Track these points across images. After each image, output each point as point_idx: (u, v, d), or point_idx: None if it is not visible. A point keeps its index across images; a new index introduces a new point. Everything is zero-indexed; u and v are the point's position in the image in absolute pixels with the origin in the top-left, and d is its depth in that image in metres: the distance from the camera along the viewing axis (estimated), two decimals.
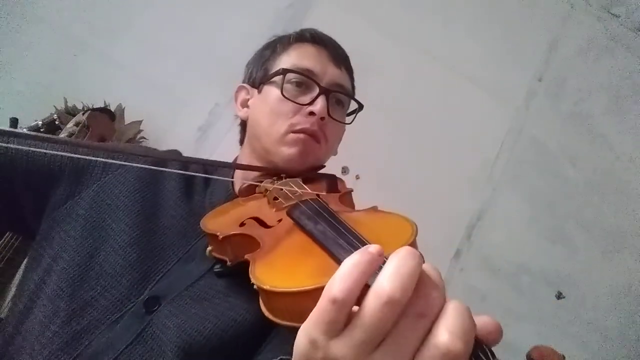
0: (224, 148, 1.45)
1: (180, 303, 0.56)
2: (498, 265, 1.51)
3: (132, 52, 1.49)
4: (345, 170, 1.45)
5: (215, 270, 0.58)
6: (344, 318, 0.29)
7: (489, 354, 0.27)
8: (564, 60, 1.71)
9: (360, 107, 0.82)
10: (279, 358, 0.39)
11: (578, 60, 1.72)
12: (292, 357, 0.32)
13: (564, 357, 0.28)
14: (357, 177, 1.46)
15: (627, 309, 1.51)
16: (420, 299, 0.28)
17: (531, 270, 1.52)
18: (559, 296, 1.50)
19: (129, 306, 0.56)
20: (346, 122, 0.80)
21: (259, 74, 0.78)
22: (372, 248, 0.30)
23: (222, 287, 0.58)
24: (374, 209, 0.56)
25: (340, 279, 0.29)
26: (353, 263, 0.29)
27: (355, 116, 0.83)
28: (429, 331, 0.28)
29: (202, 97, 1.49)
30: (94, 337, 0.54)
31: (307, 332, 0.30)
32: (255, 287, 0.42)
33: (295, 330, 0.32)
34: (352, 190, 0.68)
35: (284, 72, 0.71)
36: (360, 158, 1.41)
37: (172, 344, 0.52)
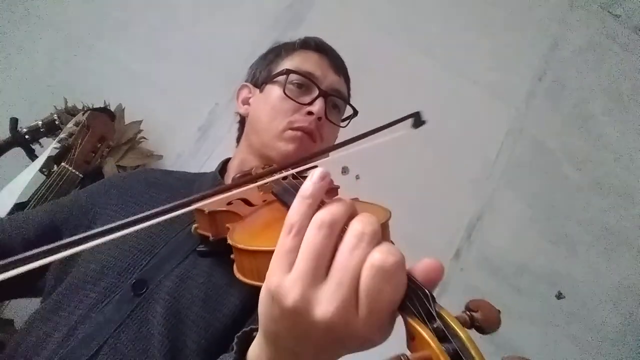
0: (223, 148, 1.45)
1: (167, 284, 0.58)
2: (498, 265, 1.51)
3: (132, 52, 1.49)
4: (345, 170, 1.45)
5: (198, 249, 0.61)
6: (297, 245, 0.31)
7: (429, 296, 0.29)
8: (564, 60, 1.71)
9: (355, 112, 0.86)
10: (249, 327, 0.40)
11: (578, 60, 1.72)
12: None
13: (499, 312, 0.29)
14: (357, 177, 1.46)
15: (627, 309, 1.51)
16: (355, 228, 0.30)
17: (531, 270, 1.51)
18: (559, 296, 1.50)
19: (117, 291, 0.58)
20: (341, 125, 0.84)
21: (262, 75, 0.83)
22: (316, 174, 0.33)
23: (205, 267, 0.61)
24: (356, 199, 0.58)
25: (291, 210, 0.32)
26: (298, 195, 0.32)
27: (349, 121, 0.87)
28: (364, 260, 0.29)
29: (202, 97, 1.49)
30: (85, 325, 0.55)
31: (267, 281, 0.32)
32: (232, 255, 0.44)
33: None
34: (338, 187, 0.71)
35: (288, 72, 0.76)
36: (360, 158, 1.41)
37: (159, 326, 0.54)
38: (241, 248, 0.41)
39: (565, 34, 1.73)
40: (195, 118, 1.48)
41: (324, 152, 0.65)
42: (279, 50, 0.84)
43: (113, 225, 0.36)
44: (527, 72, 1.68)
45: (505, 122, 1.63)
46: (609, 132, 1.68)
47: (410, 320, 0.28)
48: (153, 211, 0.39)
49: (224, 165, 0.84)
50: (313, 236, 0.30)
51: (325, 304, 0.29)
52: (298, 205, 0.32)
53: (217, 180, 0.78)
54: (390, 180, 1.46)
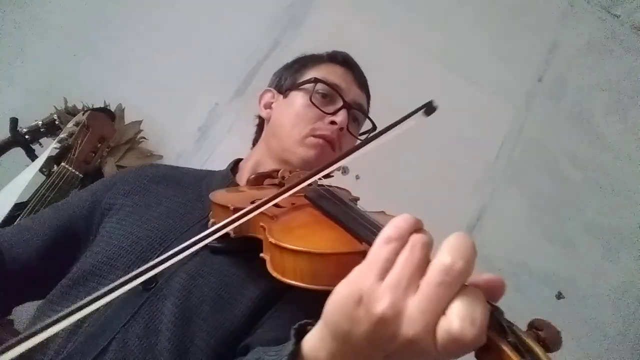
0: (223, 148, 1.45)
1: (177, 280, 0.57)
2: (498, 265, 1.50)
3: (133, 53, 1.49)
4: (345, 170, 1.45)
5: (210, 245, 0.59)
6: (394, 257, 0.32)
7: (502, 312, 0.30)
8: (564, 60, 1.71)
9: (374, 127, 0.89)
10: (304, 321, 0.39)
11: (578, 60, 1.72)
12: (316, 322, 0.35)
13: (560, 332, 0.30)
14: (357, 177, 1.46)
15: (627, 309, 1.51)
16: (452, 257, 0.30)
17: (531, 270, 1.51)
18: (559, 296, 1.50)
19: None
20: (359, 138, 0.86)
21: (287, 82, 0.85)
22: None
23: (217, 265, 0.60)
24: (383, 212, 0.59)
25: (394, 224, 0.33)
26: (403, 216, 0.34)
27: (368, 135, 0.88)
28: (452, 300, 0.29)
29: (202, 97, 1.49)
30: (92, 319, 0.55)
31: (352, 283, 0.32)
32: (262, 254, 0.44)
33: (302, 291, 0.35)
34: (358, 199, 0.71)
35: (316, 80, 0.79)
36: (360, 158, 1.41)
37: (168, 322, 0.54)
38: (288, 247, 0.41)
39: (565, 34, 1.73)
40: (195, 118, 1.48)
41: (347, 155, 0.66)
42: (306, 61, 0.86)
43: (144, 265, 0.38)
44: (527, 72, 1.68)
45: (505, 122, 1.63)
46: (609, 132, 1.68)
47: (487, 333, 0.29)
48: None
49: (235, 165, 0.84)
50: (413, 254, 0.31)
51: (414, 322, 0.29)
52: (401, 222, 0.33)
53: (228, 179, 0.78)
54: (390, 181, 1.46)
